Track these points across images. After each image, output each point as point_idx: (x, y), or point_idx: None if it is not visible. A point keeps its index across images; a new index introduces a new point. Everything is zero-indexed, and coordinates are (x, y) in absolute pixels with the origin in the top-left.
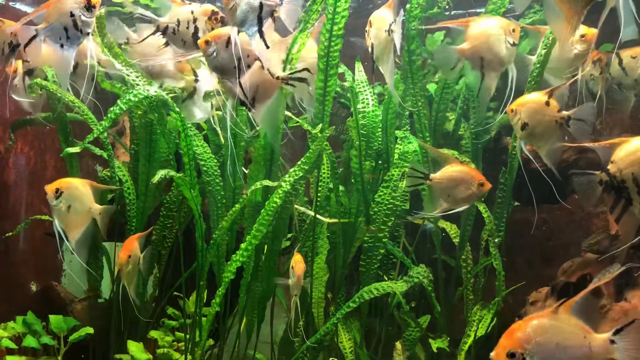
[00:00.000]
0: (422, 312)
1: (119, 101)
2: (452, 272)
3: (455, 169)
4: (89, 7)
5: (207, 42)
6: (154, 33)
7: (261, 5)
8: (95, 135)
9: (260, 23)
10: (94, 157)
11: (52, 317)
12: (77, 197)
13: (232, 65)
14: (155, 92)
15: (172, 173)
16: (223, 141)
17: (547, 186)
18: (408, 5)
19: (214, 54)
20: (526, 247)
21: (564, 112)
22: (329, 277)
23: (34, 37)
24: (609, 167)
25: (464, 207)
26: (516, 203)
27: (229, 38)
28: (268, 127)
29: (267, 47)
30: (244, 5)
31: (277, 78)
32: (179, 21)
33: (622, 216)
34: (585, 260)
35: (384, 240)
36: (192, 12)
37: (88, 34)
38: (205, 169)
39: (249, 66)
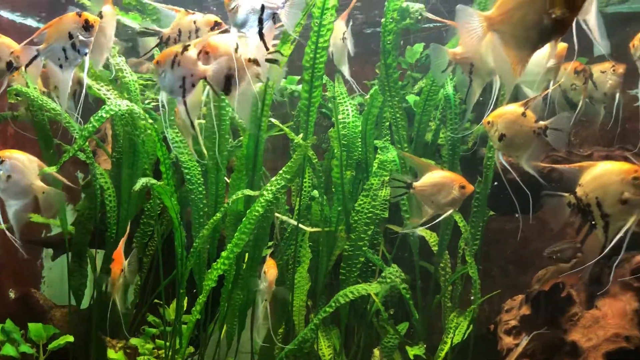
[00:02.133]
0: (400, 319)
1: (92, 118)
2: (430, 280)
3: (436, 174)
4: (87, 27)
5: (158, 63)
6: (157, 45)
7: (263, 7)
8: (71, 155)
9: (261, 25)
10: (75, 163)
11: (32, 325)
12: (18, 170)
13: (177, 85)
14: (127, 106)
15: (153, 181)
16: (205, 151)
17: (523, 196)
18: (383, 20)
19: (163, 74)
20: (502, 256)
21: (541, 122)
22: (310, 285)
23: (35, 57)
24: (576, 190)
25: (450, 211)
26: (491, 212)
27: (175, 57)
28: (243, 112)
29: (267, 49)
30: (245, 7)
31: (249, 60)
32: (180, 31)
33: (587, 237)
34: (558, 269)
35: (363, 248)
36: (195, 22)
37: (86, 54)
38: (188, 177)
39: (193, 85)
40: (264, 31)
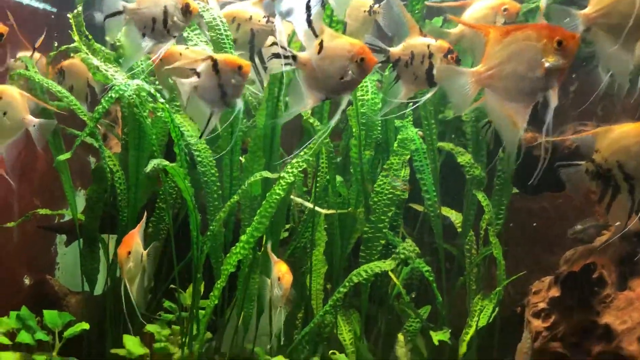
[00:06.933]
0: (422, 304)
1: (102, 100)
2: (453, 262)
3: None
4: (186, 12)
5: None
6: (384, 62)
7: None
8: (83, 138)
9: (309, 11)
10: (87, 148)
11: (47, 313)
12: (13, 106)
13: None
14: (137, 85)
15: (165, 163)
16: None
17: (549, 174)
18: None
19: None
20: (527, 236)
21: None
22: (328, 269)
23: (120, 12)
24: (594, 156)
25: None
26: (514, 190)
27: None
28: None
29: (316, 36)
30: None
31: None
32: (413, 54)
33: (612, 204)
34: (588, 248)
35: (384, 230)
36: (428, 47)
37: (175, 36)
38: (200, 159)
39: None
40: (312, 18)
